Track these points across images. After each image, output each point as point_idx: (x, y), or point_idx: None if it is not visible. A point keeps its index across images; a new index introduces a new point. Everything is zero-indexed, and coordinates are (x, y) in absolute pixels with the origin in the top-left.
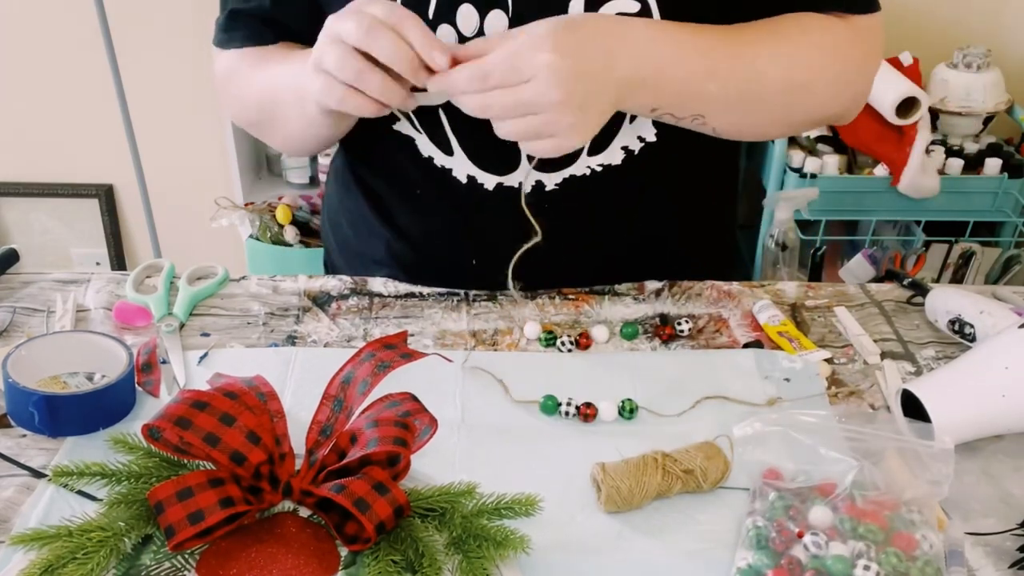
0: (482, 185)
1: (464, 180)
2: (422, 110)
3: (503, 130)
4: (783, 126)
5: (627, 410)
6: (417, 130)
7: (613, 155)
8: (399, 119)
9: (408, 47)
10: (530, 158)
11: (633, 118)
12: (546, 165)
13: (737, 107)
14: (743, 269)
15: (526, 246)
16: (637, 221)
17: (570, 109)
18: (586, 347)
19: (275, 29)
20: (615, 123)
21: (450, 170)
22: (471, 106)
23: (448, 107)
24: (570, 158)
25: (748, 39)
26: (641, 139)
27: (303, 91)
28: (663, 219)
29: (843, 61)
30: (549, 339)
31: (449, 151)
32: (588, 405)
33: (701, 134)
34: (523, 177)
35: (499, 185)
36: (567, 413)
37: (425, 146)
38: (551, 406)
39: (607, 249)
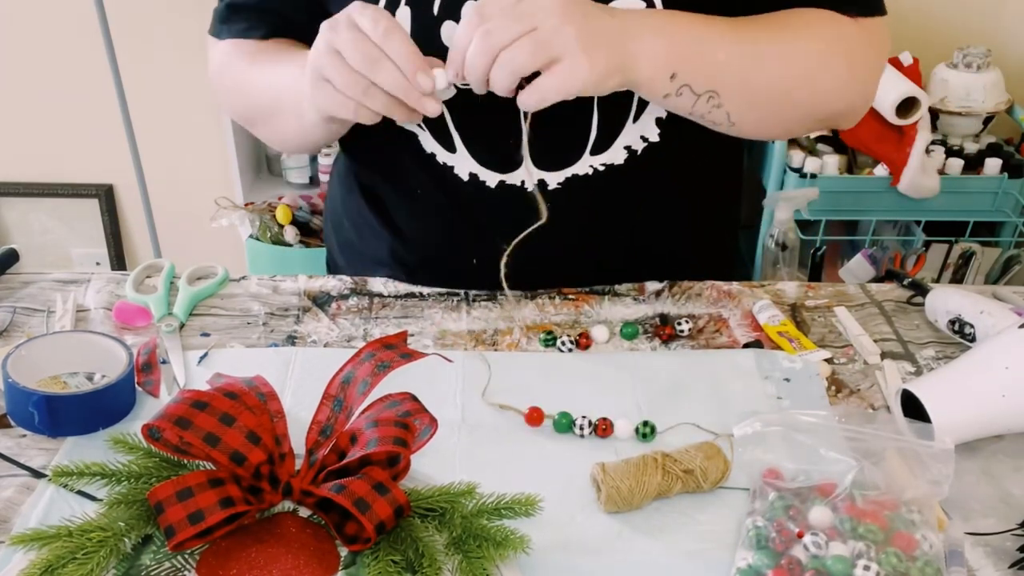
0: (484, 183)
1: (466, 178)
2: None
3: (506, 65)
4: (789, 117)
5: (642, 434)
6: (420, 126)
7: (616, 155)
8: None
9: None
10: (527, 147)
11: (637, 116)
12: (549, 164)
13: (745, 88)
14: (743, 269)
15: (529, 229)
16: (639, 221)
17: (573, 20)
18: (586, 347)
19: (272, 22)
20: (619, 122)
21: (452, 167)
22: (475, 50)
23: (452, 103)
24: (573, 157)
25: (749, 26)
26: (644, 139)
27: (301, 96)
28: (665, 219)
29: (848, 56)
30: (549, 339)
31: (451, 148)
32: (603, 419)
33: (704, 133)
34: (525, 148)
35: (501, 183)
36: (582, 436)
37: (427, 142)
38: (565, 424)
39: (608, 249)
